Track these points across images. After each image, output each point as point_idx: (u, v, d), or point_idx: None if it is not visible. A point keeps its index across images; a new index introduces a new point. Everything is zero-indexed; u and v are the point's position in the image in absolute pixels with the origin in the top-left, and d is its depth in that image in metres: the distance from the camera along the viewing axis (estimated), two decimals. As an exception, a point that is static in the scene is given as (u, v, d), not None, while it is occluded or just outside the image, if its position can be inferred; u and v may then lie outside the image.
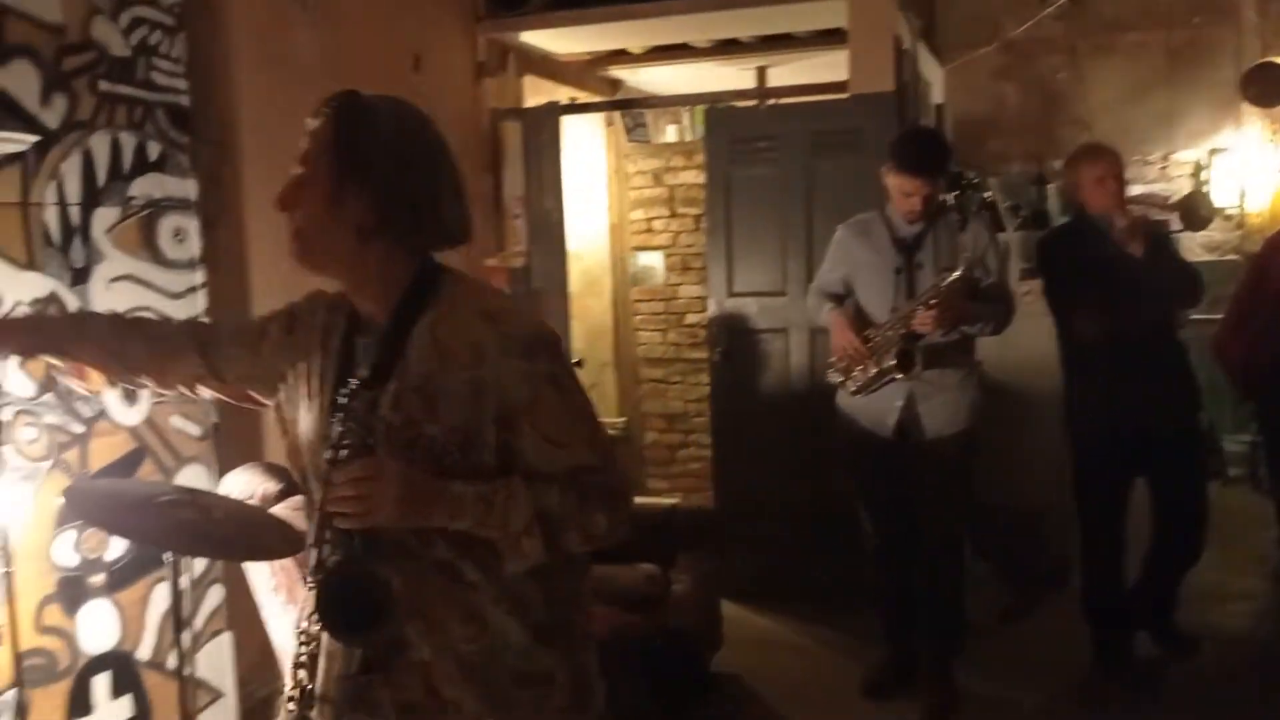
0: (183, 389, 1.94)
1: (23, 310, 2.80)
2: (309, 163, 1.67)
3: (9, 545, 2.44)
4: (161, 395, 1.96)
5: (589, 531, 1.65)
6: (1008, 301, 3.58)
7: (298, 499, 2.14)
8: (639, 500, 5.67)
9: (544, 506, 1.60)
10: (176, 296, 3.28)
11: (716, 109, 5.15)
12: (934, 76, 6.23)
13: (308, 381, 1.73)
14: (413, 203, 1.65)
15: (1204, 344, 4.03)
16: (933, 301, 3.38)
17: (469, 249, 4.98)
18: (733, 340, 4.86)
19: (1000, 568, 4.59)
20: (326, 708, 1.69)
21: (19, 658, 2.53)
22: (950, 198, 4.58)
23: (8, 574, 2.45)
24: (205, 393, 1.94)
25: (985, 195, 5.36)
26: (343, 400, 1.63)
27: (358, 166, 1.63)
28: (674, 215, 6.68)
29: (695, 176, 6.40)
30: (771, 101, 5.18)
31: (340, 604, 1.58)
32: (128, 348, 1.91)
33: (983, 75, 7.11)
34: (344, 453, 1.59)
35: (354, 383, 1.63)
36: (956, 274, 3.38)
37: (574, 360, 5.35)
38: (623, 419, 6.55)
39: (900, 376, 3.48)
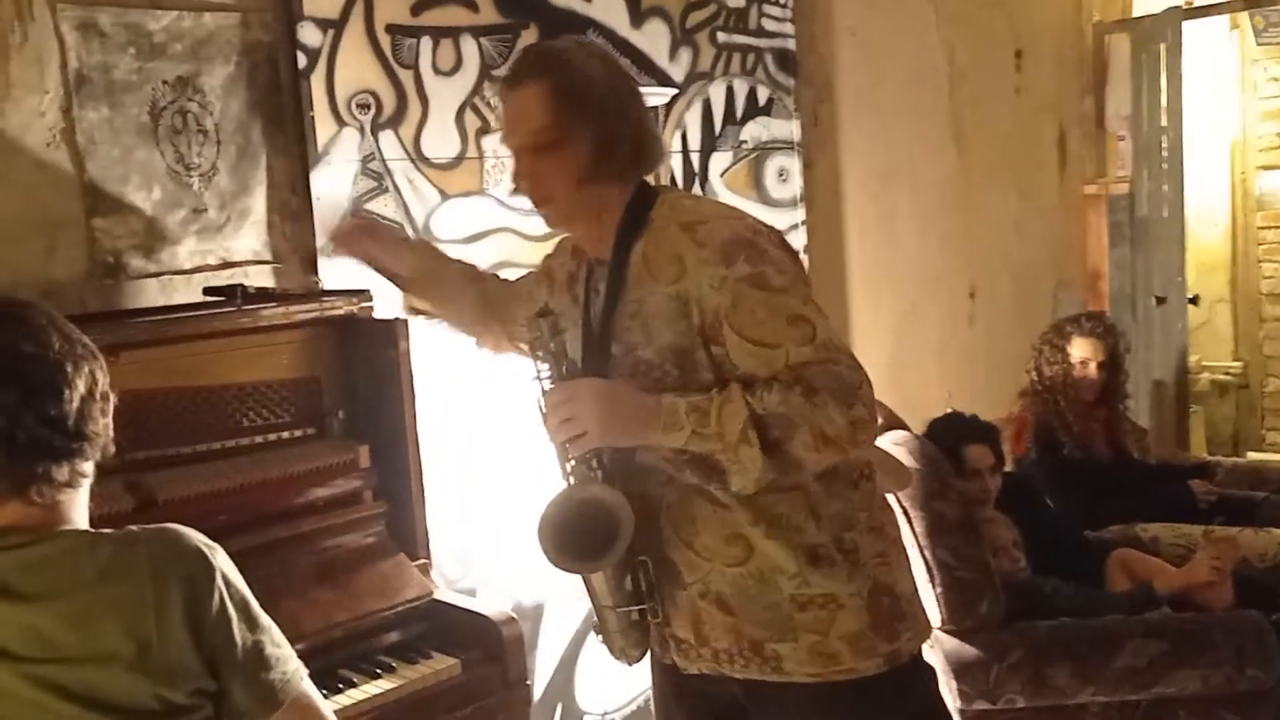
0: (491, 349, 2.04)
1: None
2: (538, 133, 1.62)
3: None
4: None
5: (824, 431, 1.49)
6: None
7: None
8: (1258, 456, 5.03)
9: (763, 408, 1.48)
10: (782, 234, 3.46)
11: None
12: None
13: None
14: (630, 135, 1.63)
15: None
16: None
17: (1064, 174, 4.72)
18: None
19: None
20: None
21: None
22: None
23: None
24: (509, 353, 1.99)
25: None
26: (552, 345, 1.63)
27: (585, 118, 1.60)
28: (1312, 127, 5.73)
29: (1343, 79, 5.43)
30: None
31: (566, 531, 1.59)
32: (473, 300, 2.01)
33: None
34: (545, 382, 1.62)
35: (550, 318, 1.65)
36: None
37: (1189, 297, 4.84)
38: (1239, 363, 5.82)
39: None
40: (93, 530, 1.33)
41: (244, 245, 2.39)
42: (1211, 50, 5.62)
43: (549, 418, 1.58)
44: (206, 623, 1.28)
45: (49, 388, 1.26)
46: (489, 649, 2.04)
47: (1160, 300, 4.58)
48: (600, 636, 1.79)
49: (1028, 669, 2.65)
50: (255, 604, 1.35)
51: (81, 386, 1.29)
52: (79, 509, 1.33)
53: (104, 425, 1.33)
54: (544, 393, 1.62)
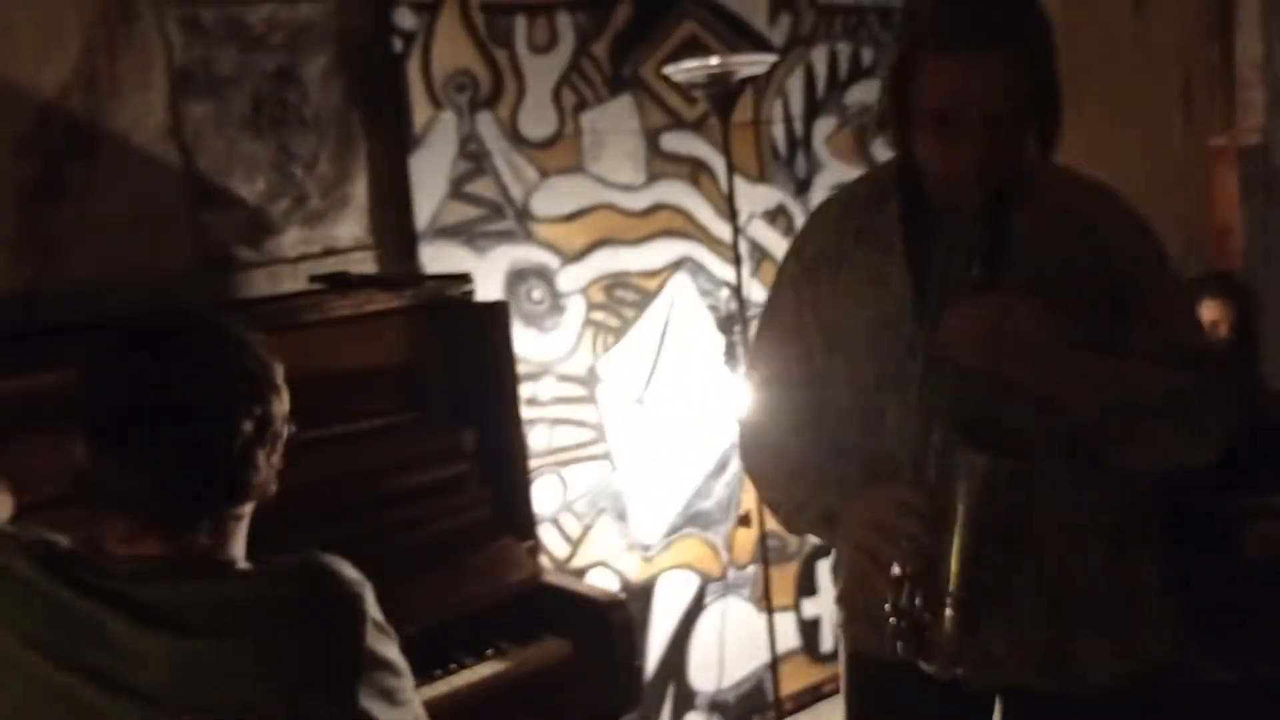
0: None
1: (758, 223, 3.06)
2: (1009, 97, 1.34)
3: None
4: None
5: (1199, 429, 1.40)
6: None
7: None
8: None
9: (1174, 386, 1.37)
10: (888, 200, 3.36)
11: None
12: None
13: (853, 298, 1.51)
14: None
15: None
16: None
17: (1190, 127, 4.50)
18: None
19: None
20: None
21: (763, 537, 2.81)
22: None
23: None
24: None
25: None
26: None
27: (1051, 69, 1.39)
28: None
29: None
30: None
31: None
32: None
33: None
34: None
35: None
36: None
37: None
38: None
39: None
40: (239, 568, 1.25)
41: (346, 232, 2.41)
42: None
43: (963, 318, 1.35)
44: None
45: (213, 436, 1.19)
46: (598, 630, 2.02)
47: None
48: None
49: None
50: (395, 658, 1.26)
51: (249, 429, 1.20)
52: (236, 543, 1.25)
53: (269, 467, 1.25)
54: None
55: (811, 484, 1.49)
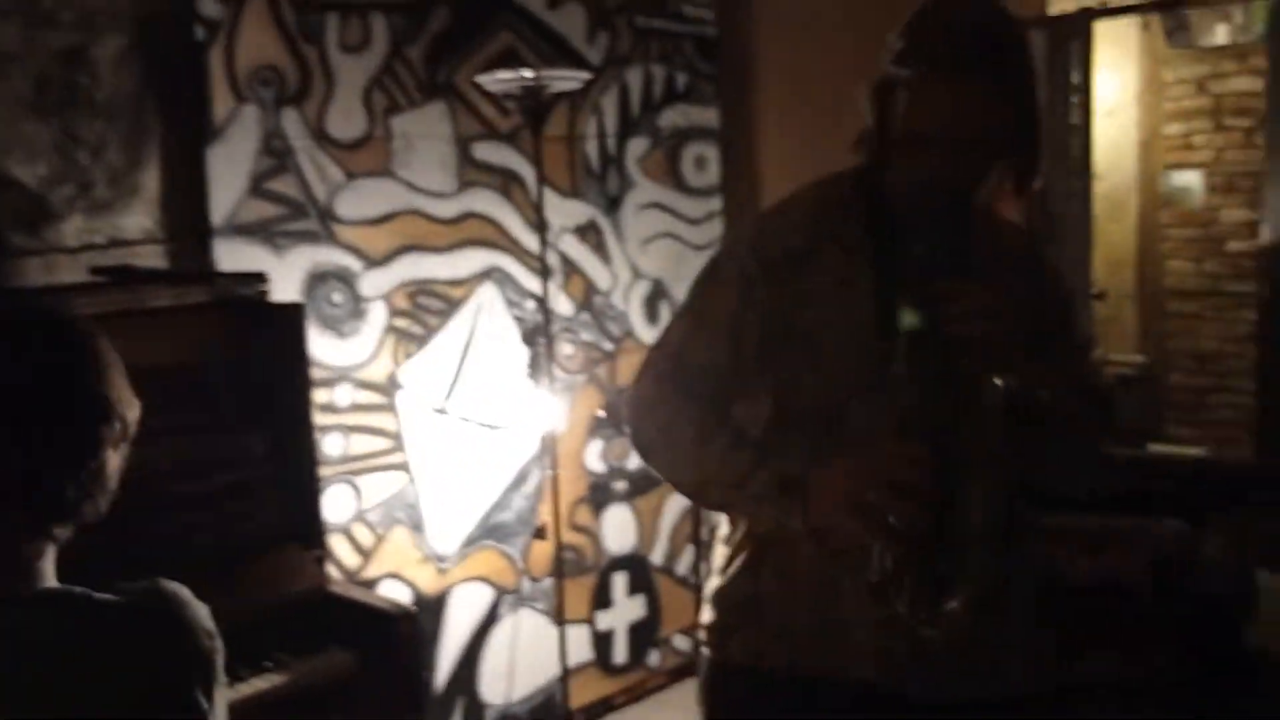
0: None
1: (568, 238, 3.09)
2: (990, 123, 1.38)
3: (555, 450, 2.72)
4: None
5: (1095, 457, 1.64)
6: None
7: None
8: (1161, 449, 5.15)
9: (1089, 416, 1.54)
10: (696, 223, 3.44)
11: (1283, 2, 4.41)
12: None
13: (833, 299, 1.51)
14: None
15: None
16: None
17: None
18: (1289, 273, 4.20)
19: None
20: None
21: (559, 549, 2.83)
22: None
23: (551, 475, 2.73)
24: None
25: None
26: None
27: (1034, 104, 1.44)
28: (1219, 129, 5.87)
29: (1249, 83, 5.56)
30: (1358, -12, 4.33)
31: None
32: None
33: None
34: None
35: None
36: None
37: (1095, 293, 4.95)
38: (1142, 358, 5.97)
39: None
40: (68, 590, 1.12)
41: (135, 224, 2.30)
42: (1120, 50, 5.73)
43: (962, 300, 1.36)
44: None
45: (91, 438, 1.09)
46: (384, 642, 1.99)
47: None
48: None
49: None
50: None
51: (109, 440, 1.10)
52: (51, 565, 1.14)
53: (112, 485, 1.15)
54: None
55: (754, 456, 1.43)
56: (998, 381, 1.35)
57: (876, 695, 1.45)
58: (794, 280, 1.47)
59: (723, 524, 1.61)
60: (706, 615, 1.60)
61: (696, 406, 1.48)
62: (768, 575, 1.53)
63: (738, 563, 1.56)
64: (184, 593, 1.17)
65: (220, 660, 1.17)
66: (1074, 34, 4.55)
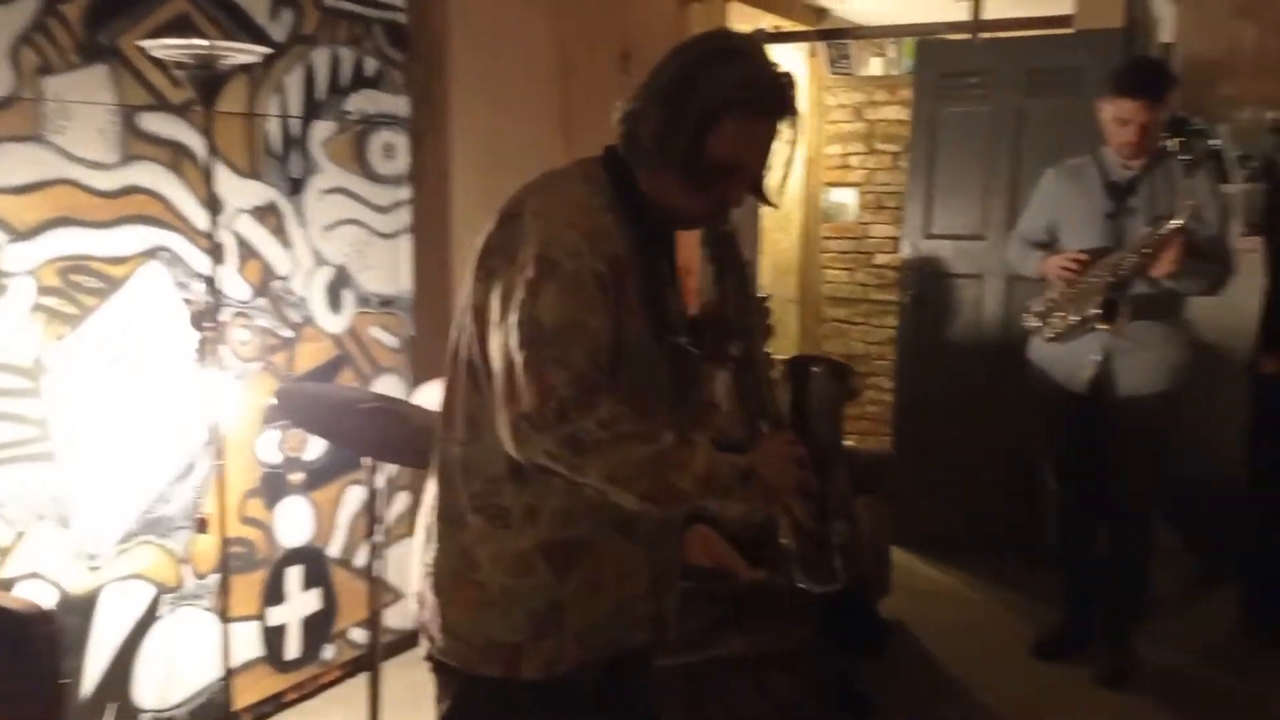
0: None
1: (246, 219, 2.97)
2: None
3: (221, 440, 2.60)
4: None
5: None
6: (1225, 260, 3.31)
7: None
8: (815, 440, 5.58)
9: None
10: (383, 210, 3.40)
11: (927, 41, 4.93)
12: (1164, 12, 5.77)
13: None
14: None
15: None
16: (1146, 250, 3.18)
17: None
18: (924, 283, 4.71)
19: (1191, 540, 4.35)
20: None
21: (225, 544, 2.71)
22: (1173, 143, 4.27)
23: (219, 466, 2.61)
24: None
25: (1211, 143, 4.96)
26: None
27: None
28: (872, 151, 6.48)
29: (898, 112, 6.17)
30: (986, 35, 4.92)
31: None
32: None
33: (1219, 12, 6.54)
34: None
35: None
36: (1176, 223, 3.14)
37: (761, 297, 5.30)
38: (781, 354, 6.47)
39: (1103, 327, 3.29)
40: None
41: None
42: (793, 73, 6.18)
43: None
44: None
45: None
46: (16, 646, 1.84)
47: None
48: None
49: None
50: None
51: None
52: None
53: None
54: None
55: (707, 449, 1.48)
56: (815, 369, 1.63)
57: (629, 661, 1.69)
58: (618, 287, 1.53)
59: (483, 540, 1.58)
60: (475, 638, 1.59)
61: (626, 405, 1.45)
62: (576, 579, 1.59)
63: (536, 573, 1.57)
64: None
65: None
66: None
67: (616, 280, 1.52)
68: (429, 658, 1.69)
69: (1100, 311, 3.28)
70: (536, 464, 1.46)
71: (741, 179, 1.59)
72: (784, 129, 1.58)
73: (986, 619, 4.04)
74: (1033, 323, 3.50)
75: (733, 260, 1.66)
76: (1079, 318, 3.33)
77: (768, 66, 1.56)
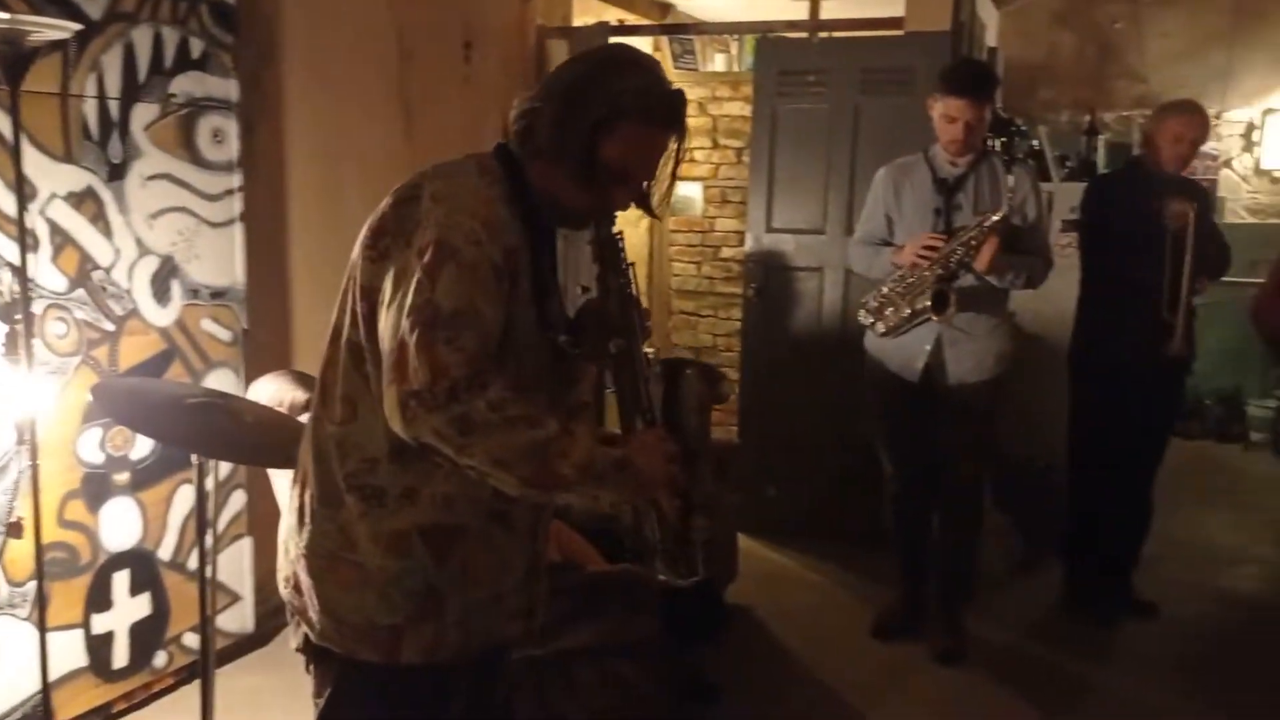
0: None
1: (60, 204, 2.80)
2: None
3: (35, 439, 2.45)
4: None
5: None
6: (1044, 253, 3.53)
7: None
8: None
9: None
10: (213, 199, 3.26)
11: (767, 39, 5.03)
12: (989, 18, 6.06)
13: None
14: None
15: (1241, 307, 3.98)
16: (972, 242, 3.35)
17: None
18: (768, 276, 4.80)
19: (1017, 520, 4.57)
20: None
21: (41, 551, 2.56)
22: (996, 143, 4.48)
23: (33, 467, 2.46)
24: None
25: (1032, 143, 5.23)
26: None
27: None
28: (716, 147, 6.58)
29: (740, 108, 6.29)
30: (823, 35, 5.05)
31: None
32: None
33: (1039, 20, 6.92)
34: None
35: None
36: (997, 215, 3.32)
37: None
38: (651, 351, 6.53)
39: (934, 318, 3.44)
40: None
41: None
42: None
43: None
44: None
45: None
46: None
47: (585, 289, 4.98)
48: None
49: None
50: None
51: None
52: None
53: None
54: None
55: (588, 437, 1.52)
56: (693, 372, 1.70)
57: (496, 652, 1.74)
58: (511, 280, 1.57)
59: (359, 520, 1.59)
60: (354, 618, 1.61)
61: (513, 390, 1.48)
62: (454, 565, 1.62)
63: (413, 555, 1.59)
64: None
65: None
66: (592, 44, 4.88)
67: (511, 271, 1.55)
68: (304, 647, 1.69)
69: (930, 303, 3.42)
70: (422, 443, 1.47)
71: (629, 184, 1.64)
72: (672, 143, 1.64)
73: (828, 602, 4.16)
74: (867, 319, 3.63)
75: (617, 262, 1.71)
76: (910, 310, 3.48)
77: (664, 82, 1.63)
